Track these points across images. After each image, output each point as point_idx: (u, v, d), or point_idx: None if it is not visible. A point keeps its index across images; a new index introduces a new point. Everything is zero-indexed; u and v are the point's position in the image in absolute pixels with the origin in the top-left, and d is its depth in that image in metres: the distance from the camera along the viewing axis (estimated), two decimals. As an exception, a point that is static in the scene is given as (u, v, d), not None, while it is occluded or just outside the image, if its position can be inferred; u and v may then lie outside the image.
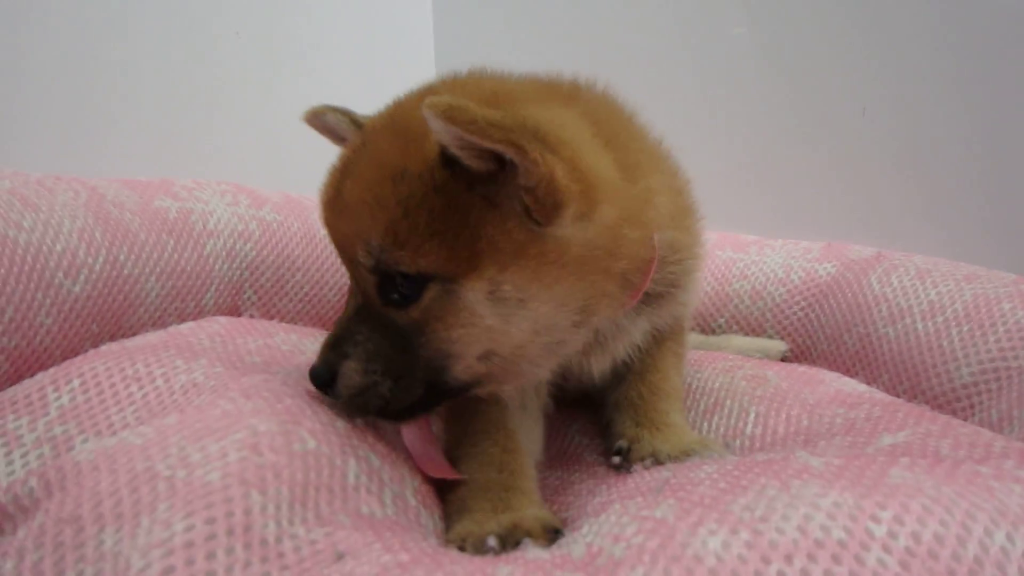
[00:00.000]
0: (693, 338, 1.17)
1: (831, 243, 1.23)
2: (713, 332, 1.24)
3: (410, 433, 0.71)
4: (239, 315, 1.08)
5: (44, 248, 0.80)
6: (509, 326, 0.62)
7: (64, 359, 0.81)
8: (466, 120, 0.53)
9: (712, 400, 0.88)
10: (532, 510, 0.61)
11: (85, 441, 0.66)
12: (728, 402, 0.87)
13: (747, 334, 1.20)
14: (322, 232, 1.17)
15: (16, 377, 0.76)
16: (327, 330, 1.17)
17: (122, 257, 0.89)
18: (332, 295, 1.15)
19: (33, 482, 0.55)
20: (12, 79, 1.08)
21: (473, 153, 0.57)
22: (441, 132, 0.55)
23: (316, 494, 0.55)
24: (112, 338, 0.88)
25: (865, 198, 1.28)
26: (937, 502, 0.49)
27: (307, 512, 0.53)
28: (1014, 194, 1.17)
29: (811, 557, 0.46)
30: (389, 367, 0.64)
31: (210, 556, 0.45)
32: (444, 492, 0.67)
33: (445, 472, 0.68)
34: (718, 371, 0.94)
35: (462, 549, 0.56)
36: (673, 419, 0.79)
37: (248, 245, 1.08)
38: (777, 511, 0.49)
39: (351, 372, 0.64)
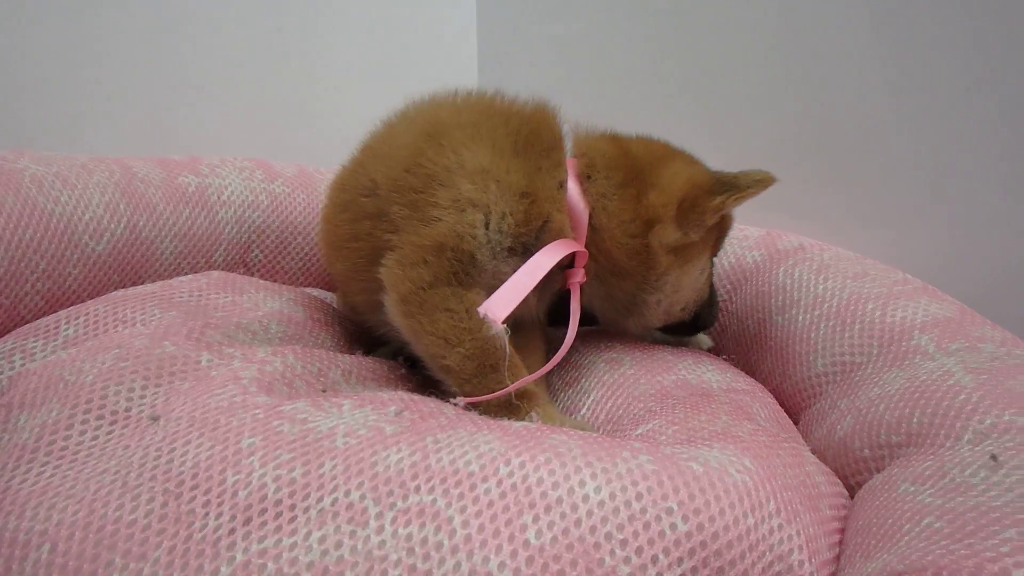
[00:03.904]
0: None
1: (770, 231, 1.32)
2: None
3: None
4: (248, 269, 1.35)
5: (75, 217, 1.10)
6: None
7: (88, 299, 1.11)
8: None
9: (572, 377, 1.04)
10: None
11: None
12: (583, 381, 1.02)
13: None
14: (323, 202, 1.43)
15: (47, 311, 1.07)
16: (323, 289, 1.43)
17: (141, 223, 1.18)
18: (327, 257, 1.41)
19: (5, 381, 0.84)
20: (92, 75, 1.39)
21: None
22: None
23: (170, 377, 0.80)
24: (132, 284, 1.17)
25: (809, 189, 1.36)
26: (560, 456, 0.66)
27: (159, 388, 0.78)
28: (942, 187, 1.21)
29: (443, 480, 0.64)
30: None
31: (68, 427, 0.72)
32: None
33: None
34: (595, 347, 1.10)
35: None
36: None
37: (256, 213, 1.34)
38: (450, 447, 0.68)
39: None
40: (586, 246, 0.99)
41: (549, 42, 1.94)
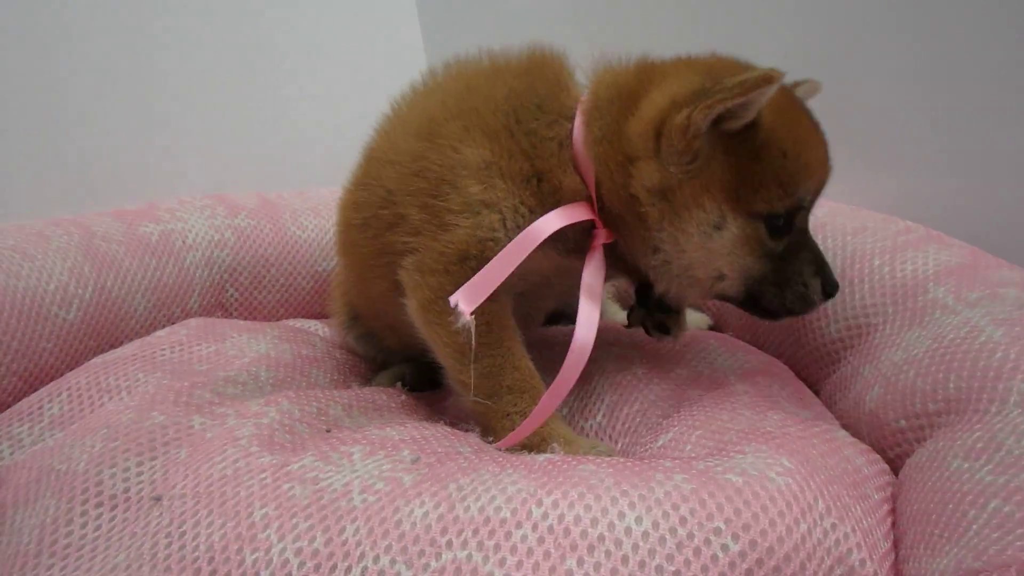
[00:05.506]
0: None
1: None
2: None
3: None
4: (226, 310, 1.30)
5: (40, 289, 1.04)
6: None
7: (67, 370, 1.06)
8: None
9: (583, 372, 1.00)
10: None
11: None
12: (594, 381, 0.97)
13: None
14: (293, 230, 1.37)
15: (28, 390, 1.01)
16: (305, 318, 1.38)
17: (109, 283, 1.12)
18: (307, 284, 1.35)
19: (-5, 477, 0.79)
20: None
21: None
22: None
23: (164, 447, 0.76)
24: (110, 347, 1.12)
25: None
26: (593, 489, 0.62)
27: (155, 462, 0.74)
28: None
29: (475, 532, 0.60)
30: None
31: (68, 522, 0.68)
32: None
33: None
34: (603, 341, 1.05)
35: None
36: None
37: (224, 252, 1.29)
38: (476, 493, 0.63)
39: None
40: (598, 201, 0.85)
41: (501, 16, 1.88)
